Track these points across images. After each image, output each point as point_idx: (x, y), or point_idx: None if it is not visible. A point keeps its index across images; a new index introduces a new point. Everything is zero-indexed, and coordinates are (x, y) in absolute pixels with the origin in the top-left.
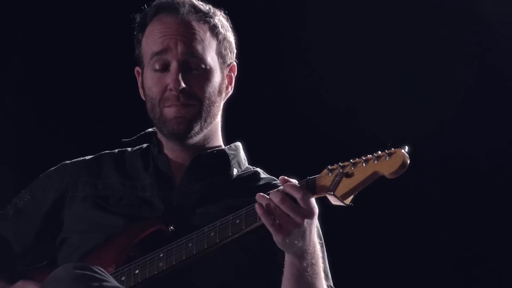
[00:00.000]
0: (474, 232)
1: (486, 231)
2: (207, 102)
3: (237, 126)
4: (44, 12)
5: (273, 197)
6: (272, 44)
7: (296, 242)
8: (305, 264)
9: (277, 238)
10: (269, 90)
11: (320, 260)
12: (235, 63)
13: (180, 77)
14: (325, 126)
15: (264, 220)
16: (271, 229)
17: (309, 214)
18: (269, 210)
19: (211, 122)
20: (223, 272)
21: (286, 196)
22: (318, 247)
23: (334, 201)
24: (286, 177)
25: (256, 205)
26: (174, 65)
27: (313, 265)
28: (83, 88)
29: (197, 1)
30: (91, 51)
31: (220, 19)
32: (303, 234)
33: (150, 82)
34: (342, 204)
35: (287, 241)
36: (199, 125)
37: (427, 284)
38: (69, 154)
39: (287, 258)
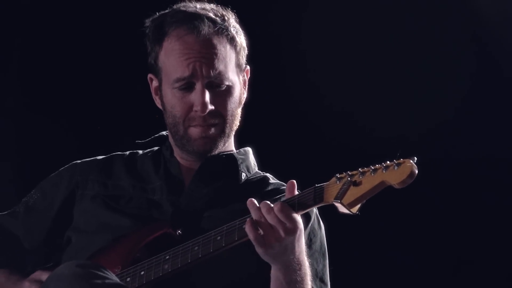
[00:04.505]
0: (476, 236)
1: (488, 234)
2: (230, 118)
3: (248, 131)
4: (46, 11)
5: (262, 206)
6: (282, 48)
7: (278, 256)
8: (288, 280)
9: (259, 250)
10: (280, 95)
11: (308, 278)
12: (248, 67)
13: (206, 99)
14: (335, 133)
15: (247, 230)
16: (254, 242)
17: (291, 230)
18: (255, 219)
19: (231, 135)
20: (227, 276)
21: (272, 207)
22: (306, 265)
23: (341, 209)
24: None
25: (248, 219)
26: (199, 87)
27: (297, 282)
28: (85, 87)
29: (212, 11)
30: (92, 50)
31: (234, 25)
32: (285, 249)
33: (172, 100)
34: (349, 212)
35: (269, 254)
36: (222, 142)
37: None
38: (71, 154)
39: (272, 271)
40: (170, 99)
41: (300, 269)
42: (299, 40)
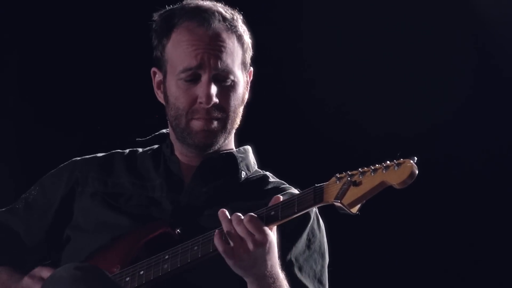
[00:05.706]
0: (477, 236)
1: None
2: (232, 114)
3: (248, 130)
4: (45, 11)
5: (233, 218)
6: (282, 47)
7: (248, 268)
8: None
9: (229, 262)
10: (280, 94)
11: None
12: (251, 68)
13: (212, 91)
14: (335, 132)
15: (216, 242)
16: (223, 254)
17: (260, 242)
18: (226, 230)
19: (232, 132)
20: (227, 276)
21: (242, 219)
22: (280, 277)
23: (341, 209)
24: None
25: (216, 230)
26: (205, 79)
27: None
28: (84, 86)
29: (222, 8)
30: (92, 49)
31: (241, 24)
32: (254, 262)
33: (177, 91)
34: (349, 212)
35: (239, 266)
36: (223, 138)
37: None
38: (71, 152)
39: (248, 285)
40: (174, 91)
41: (274, 282)
42: (299, 39)
